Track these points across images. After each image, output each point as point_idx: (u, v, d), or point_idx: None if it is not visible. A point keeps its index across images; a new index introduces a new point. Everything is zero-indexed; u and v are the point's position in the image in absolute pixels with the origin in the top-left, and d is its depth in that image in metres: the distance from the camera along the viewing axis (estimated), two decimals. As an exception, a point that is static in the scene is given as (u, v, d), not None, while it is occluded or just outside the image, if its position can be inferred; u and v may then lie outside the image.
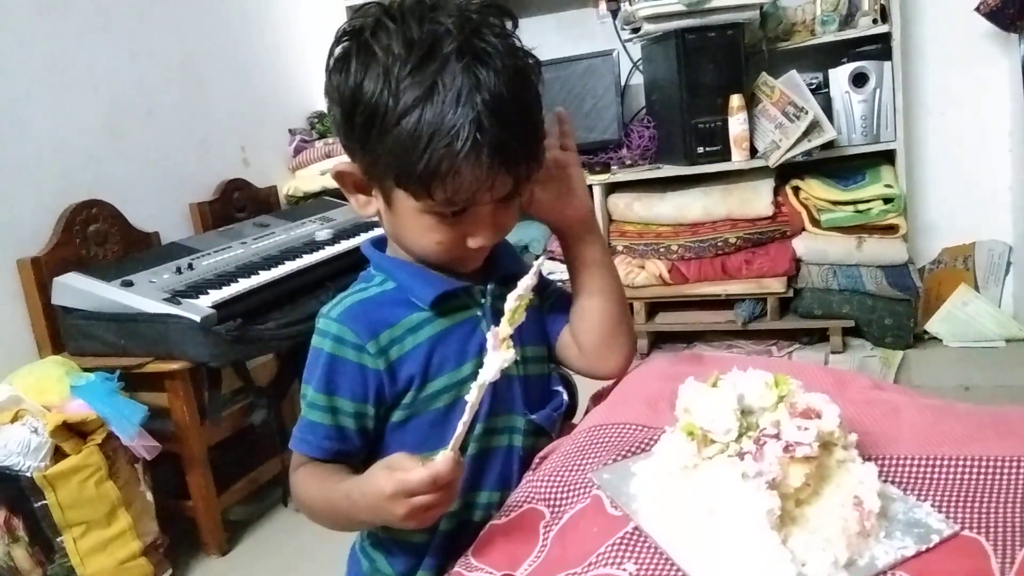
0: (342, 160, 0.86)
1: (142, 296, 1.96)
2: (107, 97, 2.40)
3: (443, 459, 0.70)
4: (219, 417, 2.10)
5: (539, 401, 0.93)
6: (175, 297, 1.96)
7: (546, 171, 0.87)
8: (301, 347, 2.23)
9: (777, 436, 0.65)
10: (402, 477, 0.69)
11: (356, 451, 0.86)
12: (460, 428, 0.71)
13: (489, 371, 0.72)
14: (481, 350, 0.84)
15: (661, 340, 2.94)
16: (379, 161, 0.77)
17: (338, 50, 0.80)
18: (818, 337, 2.73)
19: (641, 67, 3.00)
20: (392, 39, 0.75)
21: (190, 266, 2.16)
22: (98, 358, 1.98)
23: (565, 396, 0.96)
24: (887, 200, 2.55)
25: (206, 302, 1.96)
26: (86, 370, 1.90)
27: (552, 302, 0.99)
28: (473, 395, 0.71)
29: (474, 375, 0.73)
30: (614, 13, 2.89)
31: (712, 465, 0.64)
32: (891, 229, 2.57)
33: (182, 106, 2.68)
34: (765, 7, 2.60)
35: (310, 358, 0.86)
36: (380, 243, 0.93)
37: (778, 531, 0.60)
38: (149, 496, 1.95)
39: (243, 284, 2.09)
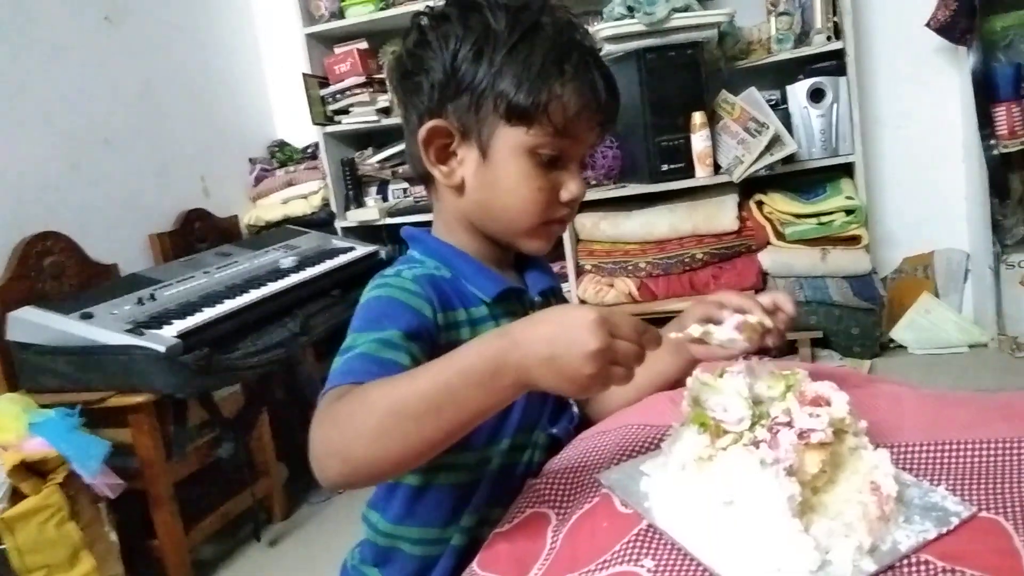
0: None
1: (103, 328, 1.89)
2: (63, 126, 2.34)
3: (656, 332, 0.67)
4: (185, 451, 2.04)
5: (556, 415, 0.92)
6: (137, 328, 1.90)
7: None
8: (269, 377, 2.21)
9: (789, 424, 0.63)
10: (620, 314, 0.64)
11: None
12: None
13: (724, 331, 0.78)
14: None
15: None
16: (485, 97, 0.79)
17: (424, 21, 0.84)
18: (787, 349, 2.74)
19: (602, 89, 3.02)
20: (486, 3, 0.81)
21: (152, 297, 2.09)
22: (57, 394, 1.90)
23: (575, 408, 0.95)
24: (848, 212, 2.59)
25: (170, 332, 1.90)
26: (44, 407, 1.82)
27: None
28: (696, 331, 0.75)
29: None
30: (574, 36, 2.92)
31: (727, 456, 0.62)
32: (854, 240, 2.61)
33: (140, 135, 2.63)
34: (722, 26, 2.64)
35: (373, 307, 0.78)
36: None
37: (799, 519, 0.59)
38: (113, 536, 1.87)
39: (208, 313, 2.03)
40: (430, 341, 0.77)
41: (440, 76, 0.81)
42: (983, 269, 2.70)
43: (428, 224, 0.93)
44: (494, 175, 0.82)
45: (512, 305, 0.87)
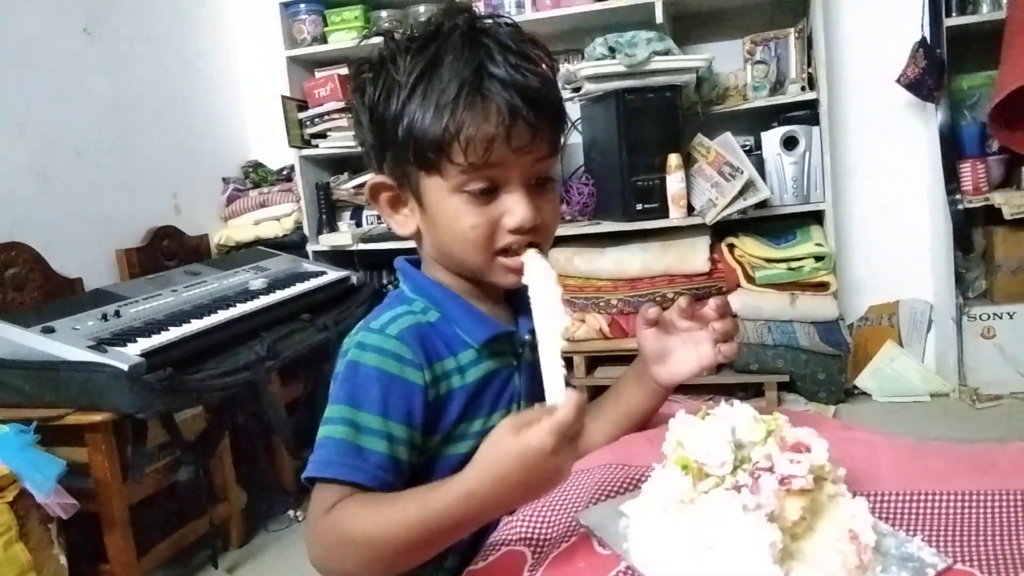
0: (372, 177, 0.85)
1: (64, 343, 1.84)
2: (34, 137, 2.30)
3: (568, 393, 0.65)
4: (143, 474, 1.98)
5: None
6: (100, 345, 1.85)
7: (691, 338, 0.88)
8: (233, 400, 2.17)
9: (771, 469, 0.63)
10: (558, 418, 0.62)
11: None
12: (557, 370, 0.68)
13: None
14: (511, 401, 0.84)
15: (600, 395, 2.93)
16: (400, 150, 0.77)
17: (361, 75, 0.83)
18: (753, 392, 2.76)
19: (579, 126, 3.05)
20: (399, 45, 0.79)
21: (117, 313, 2.05)
22: (12, 409, 1.84)
23: None
24: (818, 258, 2.63)
25: (134, 350, 1.85)
26: (-2, 422, 1.77)
27: None
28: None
29: None
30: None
31: (709, 499, 0.62)
32: (822, 287, 2.65)
33: (113, 149, 2.60)
34: (700, 71, 2.69)
35: (353, 378, 0.76)
36: (414, 265, 0.89)
37: (780, 565, 0.58)
38: (63, 560, 1.80)
39: (174, 332, 1.99)
40: (417, 410, 0.77)
41: (370, 138, 0.82)
42: (946, 320, 2.75)
43: (407, 251, 0.91)
44: (433, 220, 0.80)
45: (501, 346, 0.84)
